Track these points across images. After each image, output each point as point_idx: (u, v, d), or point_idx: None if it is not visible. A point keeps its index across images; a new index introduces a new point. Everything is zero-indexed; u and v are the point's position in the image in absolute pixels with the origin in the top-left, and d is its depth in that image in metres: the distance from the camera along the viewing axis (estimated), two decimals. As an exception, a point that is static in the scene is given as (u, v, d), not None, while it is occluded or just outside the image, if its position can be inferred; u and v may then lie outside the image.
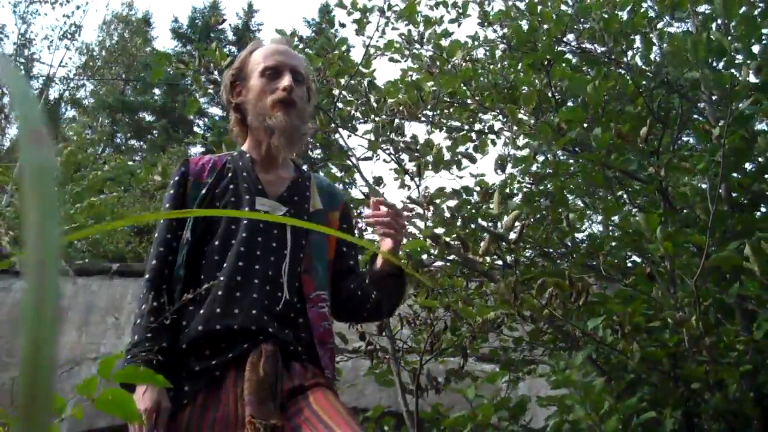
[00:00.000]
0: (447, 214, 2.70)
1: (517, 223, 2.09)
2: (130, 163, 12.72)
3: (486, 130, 3.22)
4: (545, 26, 2.67)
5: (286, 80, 1.69)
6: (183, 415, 1.45)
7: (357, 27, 3.25)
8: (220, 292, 1.51)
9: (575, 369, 2.39)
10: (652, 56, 2.62)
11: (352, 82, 3.15)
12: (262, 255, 1.57)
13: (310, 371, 1.52)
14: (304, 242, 1.62)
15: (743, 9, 2.49)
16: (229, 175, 1.68)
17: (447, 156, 3.03)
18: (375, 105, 3.12)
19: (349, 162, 3.26)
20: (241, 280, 1.53)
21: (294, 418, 1.42)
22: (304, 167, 1.85)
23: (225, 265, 1.54)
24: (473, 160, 3.01)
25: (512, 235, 2.09)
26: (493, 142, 3.18)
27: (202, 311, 1.51)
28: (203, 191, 1.63)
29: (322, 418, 1.39)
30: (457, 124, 3.25)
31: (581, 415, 2.33)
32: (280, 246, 1.59)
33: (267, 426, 1.35)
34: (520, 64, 2.86)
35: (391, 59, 3.29)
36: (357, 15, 3.26)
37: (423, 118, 3.12)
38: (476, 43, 3.24)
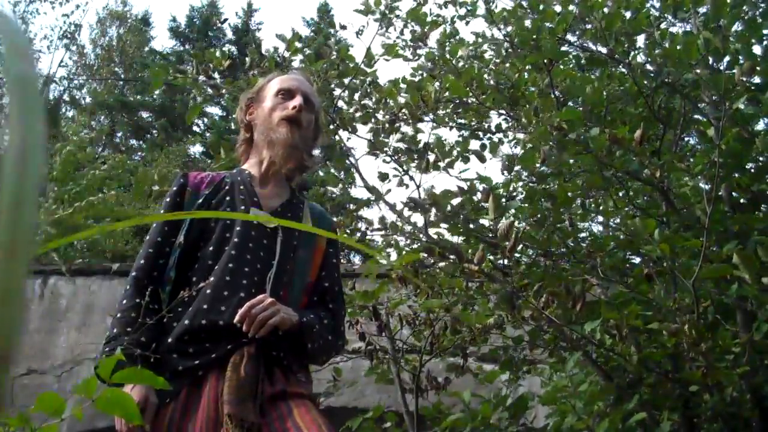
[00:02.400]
0: (449, 211, 2.70)
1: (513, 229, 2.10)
2: (129, 162, 12.71)
3: (494, 129, 3.21)
4: (548, 25, 2.67)
5: (296, 101, 1.79)
6: (165, 413, 1.48)
7: (380, 26, 3.22)
8: (208, 291, 1.57)
9: (568, 374, 2.41)
10: (655, 56, 2.62)
11: (356, 81, 3.15)
12: (251, 260, 1.62)
13: (292, 378, 1.57)
14: (292, 255, 1.68)
15: (745, 8, 2.49)
16: (226, 188, 1.75)
17: (455, 152, 3.03)
18: (375, 106, 3.13)
19: (348, 161, 3.27)
20: (229, 281, 1.58)
21: (274, 423, 1.45)
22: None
23: (216, 267, 1.60)
24: (482, 159, 3.00)
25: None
26: (501, 141, 3.18)
27: (190, 309, 1.56)
28: (200, 201, 1.70)
29: (302, 431, 1.41)
30: (464, 122, 3.25)
31: (573, 422, 2.35)
32: (268, 256, 1.64)
33: (244, 425, 1.38)
34: (522, 64, 2.86)
35: (405, 58, 3.28)
36: (377, 15, 3.24)
37: (426, 119, 3.11)
38: (480, 41, 3.24)
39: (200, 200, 1.70)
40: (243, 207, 1.69)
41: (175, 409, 1.48)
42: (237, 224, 1.65)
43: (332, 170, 3.61)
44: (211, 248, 1.62)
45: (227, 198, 1.71)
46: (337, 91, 3.17)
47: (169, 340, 1.54)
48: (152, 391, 1.48)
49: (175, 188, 1.74)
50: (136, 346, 1.50)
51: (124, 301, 1.60)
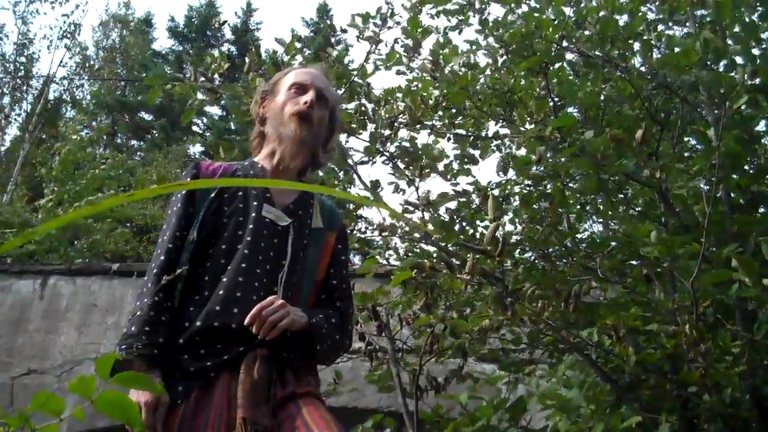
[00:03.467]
0: (446, 217, 2.71)
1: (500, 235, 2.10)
2: (129, 161, 12.70)
3: (491, 136, 3.22)
4: (543, 33, 2.67)
5: (308, 96, 1.76)
6: (176, 414, 1.47)
7: (367, 37, 3.22)
8: (221, 292, 1.55)
9: (560, 377, 2.41)
10: (652, 61, 2.62)
11: (348, 92, 3.14)
12: (263, 260, 1.61)
13: (302, 380, 1.56)
14: (302, 254, 1.67)
15: (743, 11, 2.49)
16: None
17: (453, 158, 3.03)
18: (372, 113, 3.13)
19: (348, 163, 3.27)
20: (242, 282, 1.57)
21: (284, 424, 1.44)
22: None
23: (229, 267, 1.58)
24: (475, 162, 3.01)
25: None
26: (499, 148, 3.19)
27: (202, 310, 1.54)
28: (212, 194, 1.68)
29: (312, 429, 1.41)
30: (462, 132, 3.25)
31: (567, 426, 2.35)
32: (278, 256, 1.63)
33: (258, 429, 1.37)
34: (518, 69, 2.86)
35: (399, 72, 3.29)
36: (369, 33, 3.23)
37: (425, 124, 3.12)
38: (474, 47, 3.24)
39: (212, 194, 1.67)
40: (255, 202, 1.67)
41: (186, 411, 1.46)
42: (249, 222, 1.63)
43: (332, 168, 3.59)
44: (223, 246, 1.61)
45: (240, 192, 1.69)
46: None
47: (180, 340, 1.53)
48: (163, 389, 1.47)
49: (188, 179, 1.73)
50: (154, 347, 1.50)
51: (145, 300, 1.56)
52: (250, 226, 1.62)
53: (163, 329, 1.53)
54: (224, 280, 1.56)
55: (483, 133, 3.26)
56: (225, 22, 18.62)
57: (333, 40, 14.47)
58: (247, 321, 1.48)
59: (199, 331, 1.52)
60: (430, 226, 2.57)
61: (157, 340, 1.50)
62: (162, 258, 1.61)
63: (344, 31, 3.35)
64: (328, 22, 17.41)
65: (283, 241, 1.65)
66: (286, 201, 1.72)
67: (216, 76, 3.09)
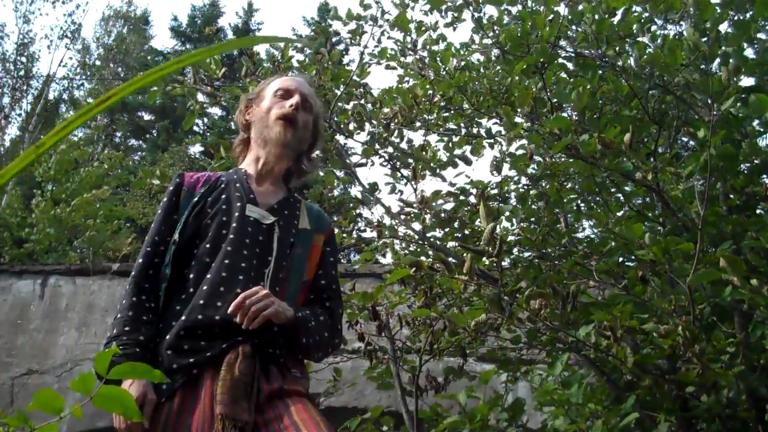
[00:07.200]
0: (443, 215, 2.71)
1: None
2: (130, 162, 12.70)
3: (484, 134, 3.22)
4: (538, 33, 2.68)
5: (293, 99, 1.81)
6: (160, 413, 1.48)
7: (352, 37, 3.26)
8: (205, 287, 1.57)
9: (556, 376, 2.42)
10: (642, 61, 2.62)
11: (346, 93, 3.16)
12: (248, 256, 1.63)
13: (289, 376, 1.57)
14: (288, 252, 1.68)
15: (730, 11, 2.50)
16: (222, 186, 1.76)
17: (444, 158, 3.04)
18: (370, 113, 3.14)
19: (346, 162, 3.28)
20: (226, 276, 1.58)
21: (272, 423, 1.45)
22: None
23: (213, 264, 1.60)
24: (468, 162, 3.02)
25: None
26: (491, 146, 3.19)
27: (187, 306, 1.56)
28: (195, 199, 1.71)
29: (301, 430, 1.41)
30: (454, 127, 3.26)
31: (566, 426, 2.36)
32: (264, 252, 1.65)
33: (237, 425, 1.38)
34: (514, 69, 2.86)
35: (388, 66, 3.30)
36: (353, 26, 3.27)
37: (419, 123, 3.13)
38: (470, 48, 3.25)
39: (196, 198, 1.70)
40: (239, 204, 1.69)
41: (170, 409, 1.47)
42: (233, 221, 1.65)
43: (331, 170, 3.61)
44: (207, 245, 1.63)
45: (223, 195, 1.71)
46: (333, 95, 3.19)
47: (167, 337, 1.55)
48: (150, 387, 1.49)
49: (171, 188, 1.76)
50: (136, 345, 1.52)
51: (124, 301, 1.61)
52: (234, 225, 1.65)
53: (145, 328, 1.55)
54: (209, 276, 1.58)
55: (475, 131, 3.27)
56: (220, 29, 18.62)
57: (334, 40, 14.48)
58: (230, 309, 1.50)
59: (184, 326, 1.54)
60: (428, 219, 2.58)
61: (138, 338, 1.53)
62: (140, 261, 1.66)
63: (337, 33, 3.36)
64: (328, 22, 17.43)
65: (268, 238, 1.67)
66: (270, 201, 1.75)
67: (215, 78, 3.10)
